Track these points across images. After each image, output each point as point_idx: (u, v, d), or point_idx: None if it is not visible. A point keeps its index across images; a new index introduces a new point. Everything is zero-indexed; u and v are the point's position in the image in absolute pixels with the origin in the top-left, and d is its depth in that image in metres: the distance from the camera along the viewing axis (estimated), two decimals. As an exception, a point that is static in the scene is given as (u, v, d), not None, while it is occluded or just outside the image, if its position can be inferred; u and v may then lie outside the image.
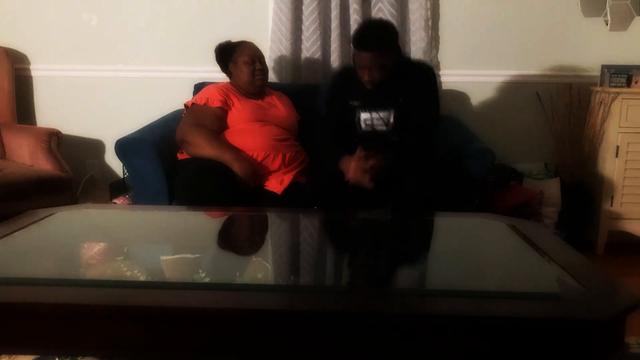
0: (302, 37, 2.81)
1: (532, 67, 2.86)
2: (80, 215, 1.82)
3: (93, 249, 1.57)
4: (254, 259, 1.53)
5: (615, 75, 2.69)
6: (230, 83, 2.45)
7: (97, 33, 2.94)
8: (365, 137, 2.16)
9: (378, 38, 2.05)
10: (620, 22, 2.78)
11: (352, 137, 2.17)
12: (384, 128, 2.15)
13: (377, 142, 2.12)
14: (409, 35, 2.78)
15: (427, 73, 2.17)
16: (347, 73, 2.23)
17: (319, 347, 1.05)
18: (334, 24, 2.76)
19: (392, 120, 2.14)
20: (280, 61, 2.83)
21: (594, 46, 2.81)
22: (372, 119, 2.14)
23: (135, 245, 1.62)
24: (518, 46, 2.84)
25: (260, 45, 2.47)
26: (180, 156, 2.28)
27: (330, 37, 2.80)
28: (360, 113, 2.16)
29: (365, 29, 2.14)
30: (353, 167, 2.01)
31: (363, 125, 2.17)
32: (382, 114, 2.11)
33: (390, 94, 2.11)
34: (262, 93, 2.44)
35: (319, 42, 2.79)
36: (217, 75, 2.55)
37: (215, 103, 2.29)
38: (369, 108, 2.14)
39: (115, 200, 2.65)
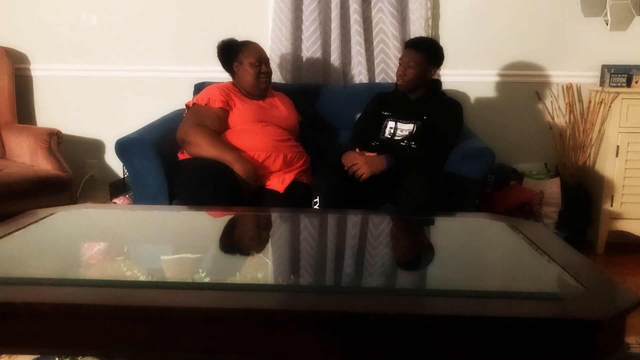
0: (302, 37, 2.81)
1: (532, 67, 2.87)
2: (80, 215, 1.82)
3: (93, 249, 1.57)
4: (254, 258, 1.53)
5: (615, 75, 2.70)
6: (232, 83, 2.45)
7: (97, 33, 2.94)
8: (384, 142, 2.33)
9: (416, 41, 2.42)
10: (620, 22, 2.78)
11: (372, 141, 2.35)
12: (402, 137, 2.32)
13: (392, 148, 2.28)
14: (409, 35, 2.78)
15: (454, 106, 2.41)
16: (389, 92, 2.50)
17: (319, 347, 1.05)
18: (334, 23, 2.76)
19: (411, 132, 2.31)
20: (280, 61, 2.83)
21: (594, 46, 2.81)
22: (395, 128, 2.34)
23: (135, 245, 1.62)
24: (518, 46, 2.85)
25: (260, 45, 2.47)
26: (181, 156, 2.28)
27: (330, 37, 2.80)
28: (388, 121, 2.38)
29: (417, 37, 2.60)
30: (352, 155, 2.21)
31: (387, 131, 2.37)
32: (405, 126, 2.33)
33: (418, 110, 2.35)
34: (264, 94, 2.44)
35: (319, 42, 2.79)
36: (217, 75, 2.55)
37: (217, 103, 2.29)
38: (396, 118, 2.37)
39: (115, 200, 2.66)
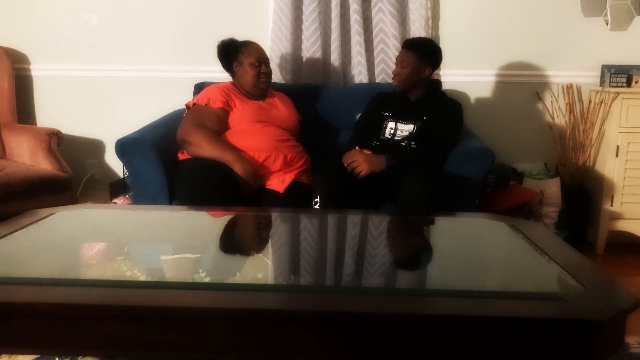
0: (302, 37, 2.81)
1: (532, 67, 2.87)
2: (80, 215, 1.82)
3: (93, 249, 1.57)
4: (254, 258, 1.53)
5: (615, 75, 2.70)
6: (232, 83, 2.45)
7: (97, 33, 2.94)
8: (384, 142, 2.33)
9: (410, 41, 2.42)
10: (620, 22, 2.78)
11: (372, 141, 2.35)
12: (402, 137, 2.32)
13: (392, 148, 2.28)
14: (409, 35, 2.78)
15: (454, 106, 2.40)
16: (390, 93, 2.49)
17: (319, 347, 1.05)
18: (334, 23, 2.76)
19: (411, 132, 2.31)
20: (280, 61, 2.83)
21: (594, 46, 2.81)
22: (395, 128, 2.35)
23: (135, 245, 1.62)
24: (518, 46, 2.85)
25: (260, 45, 2.47)
26: (181, 156, 2.28)
27: (330, 37, 2.80)
28: (388, 122, 2.39)
29: (414, 37, 2.62)
30: (352, 152, 2.21)
31: (387, 132, 2.37)
32: (405, 126, 2.32)
33: (418, 110, 2.35)
34: (264, 94, 2.44)
35: (319, 42, 2.79)
36: (217, 75, 2.55)
37: (217, 104, 2.29)
38: (396, 119, 2.37)
39: (115, 200, 2.66)
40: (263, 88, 2.40)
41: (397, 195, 2.06)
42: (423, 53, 2.34)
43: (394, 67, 2.72)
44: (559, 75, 2.86)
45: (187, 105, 2.39)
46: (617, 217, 2.69)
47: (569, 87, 2.81)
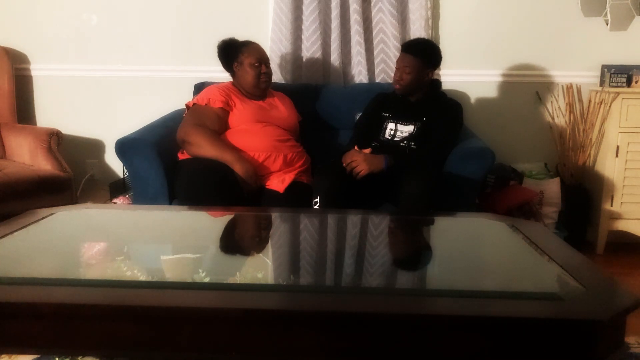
0: (302, 37, 2.81)
1: (532, 67, 2.87)
2: (80, 215, 1.82)
3: (93, 249, 1.57)
4: (254, 258, 1.53)
5: (615, 75, 2.70)
6: (232, 83, 2.45)
7: (97, 33, 2.94)
8: (384, 143, 2.33)
9: (411, 44, 2.40)
10: (620, 22, 2.78)
11: (372, 141, 2.35)
12: (402, 138, 2.32)
13: (392, 149, 2.28)
14: (409, 35, 2.78)
15: (454, 106, 2.40)
16: (389, 93, 2.48)
17: (319, 347, 1.05)
18: (334, 23, 2.76)
19: (411, 133, 2.31)
20: (280, 61, 2.83)
21: (594, 46, 2.81)
22: (395, 129, 2.35)
23: (135, 245, 1.62)
24: (518, 46, 2.85)
25: (260, 45, 2.47)
26: (181, 156, 2.28)
27: (330, 37, 2.80)
28: (388, 123, 2.39)
29: (413, 39, 2.60)
30: (351, 152, 2.22)
31: (386, 133, 2.37)
32: (405, 127, 2.32)
33: (418, 111, 2.35)
34: (264, 94, 2.44)
35: (319, 42, 2.79)
36: (217, 75, 2.56)
37: (217, 104, 2.29)
38: (396, 120, 2.37)
39: (115, 200, 2.66)
40: (263, 88, 2.40)
41: (397, 195, 2.06)
42: (426, 57, 2.33)
43: (394, 67, 2.73)
44: (559, 75, 2.86)
45: (187, 105, 2.39)
46: (617, 217, 2.69)
47: (569, 87, 2.81)
